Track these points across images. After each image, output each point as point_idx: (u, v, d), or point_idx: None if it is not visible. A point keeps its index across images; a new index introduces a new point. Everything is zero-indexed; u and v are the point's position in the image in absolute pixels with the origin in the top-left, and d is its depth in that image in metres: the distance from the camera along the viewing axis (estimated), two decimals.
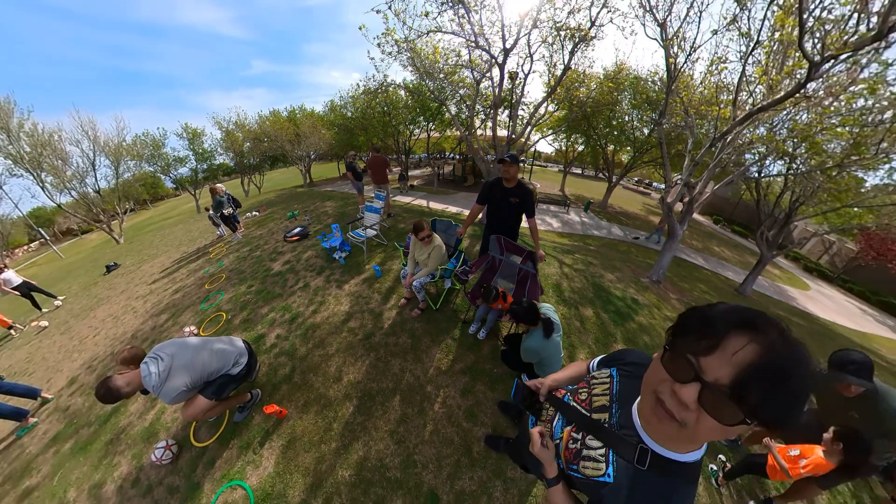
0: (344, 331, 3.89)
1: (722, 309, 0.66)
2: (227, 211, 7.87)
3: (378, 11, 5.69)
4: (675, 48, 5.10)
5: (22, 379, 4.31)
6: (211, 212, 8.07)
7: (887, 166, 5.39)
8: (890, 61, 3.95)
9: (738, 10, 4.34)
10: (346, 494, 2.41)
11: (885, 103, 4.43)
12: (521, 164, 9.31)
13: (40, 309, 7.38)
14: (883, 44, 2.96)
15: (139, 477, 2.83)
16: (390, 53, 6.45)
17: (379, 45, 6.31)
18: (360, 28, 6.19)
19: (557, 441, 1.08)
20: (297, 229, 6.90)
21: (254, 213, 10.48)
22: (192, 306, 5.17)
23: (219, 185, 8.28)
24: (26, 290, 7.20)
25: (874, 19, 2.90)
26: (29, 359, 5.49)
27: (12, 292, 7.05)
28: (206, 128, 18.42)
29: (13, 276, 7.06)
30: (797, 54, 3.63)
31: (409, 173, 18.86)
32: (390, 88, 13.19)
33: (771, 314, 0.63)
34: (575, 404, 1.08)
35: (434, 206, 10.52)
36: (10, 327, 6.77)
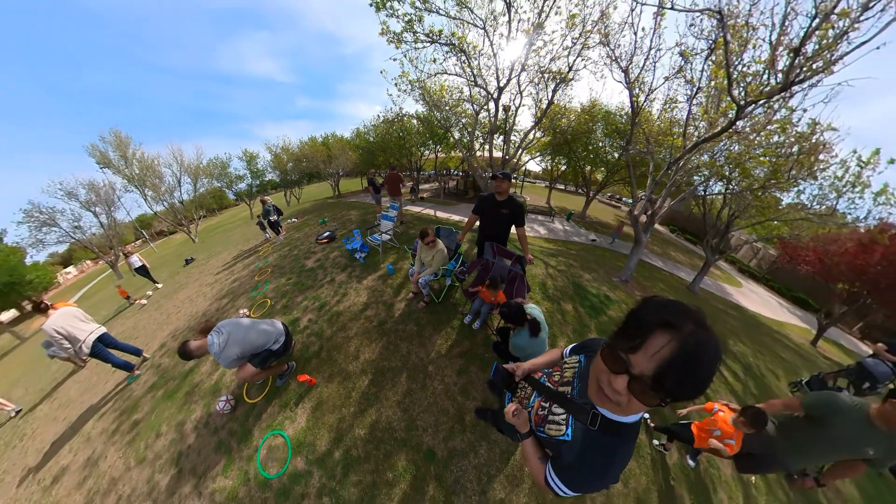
0: (362, 318, 3.90)
1: (649, 309, 0.66)
2: (273, 218, 8.04)
3: (395, 59, 5.83)
4: (637, 90, 5.12)
5: (130, 342, 4.68)
6: (260, 218, 8.29)
7: (796, 189, 5.63)
8: (794, 107, 4.13)
9: (683, 62, 4.39)
10: (361, 448, 2.50)
11: (793, 139, 4.61)
12: (513, 181, 9.38)
13: (155, 282, 8.02)
14: (788, 94, 3.16)
15: (208, 420, 3.04)
16: (405, 91, 6.59)
17: (396, 84, 6.45)
18: (381, 72, 6.34)
19: (529, 409, 1.09)
20: (327, 233, 6.95)
21: (293, 219, 10.63)
22: (245, 293, 5.35)
23: (266, 196, 8.51)
24: (144, 272, 7.86)
25: (780, 75, 3.04)
26: (134, 326, 5.94)
27: (133, 273, 7.79)
28: (260, 152, 19.26)
29: (136, 260, 7.74)
30: (728, 99, 3.70)
31: (420, 187, 19.00)
32: (405, 118, 13.36)
33: (690, 306, 0.63)
34: (549, 385, 1.07)
35: (440, 214, 10.54)
36: (128, 297, 7.39)
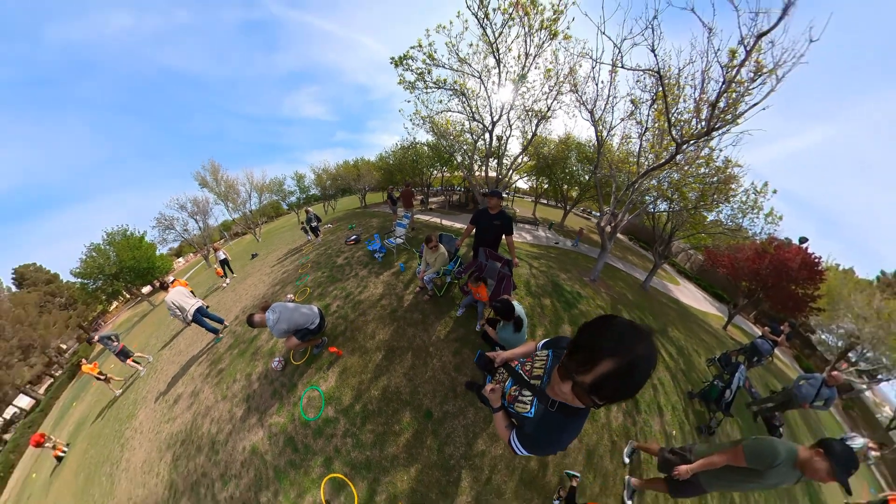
0: (378, 306, 3.89)
1: (603, 339, 0.62)
2: (313, 224, 8.26)
3: (409, 101, 6.00)
4: (600, 126, 5.13)
5: (216, 313, 5.30)
6: (304, 224, 8.54)
7: (717, 209, 5.98)
8: (714, 147, 4.40)
9: (633, 108, 4.44)
10: (375, 404, 2.63)
11: (713, 171, 4.89)
12: (505, 196, 9.43)
13: (232, 273, 8.72)
14: (709, 137, 3.32)
15: (266, 374, 3.31)
16: (418, 124, 6.74)
17: (411, 119, 6.59)
18: (399, 111, 6.52)
19: (505, 391, 1.10)
20: (353, 237, 6.94)
21: (328, 225, 10.77)
22: (291, 282, 5.56)
23: (309, 207, 8.83)
24: (226, 263, 8.51)
25: (703, 122, 3.19)
26: (218, 302, 6.56)
27: (217, 263, 8.57)
28: (306, 173, 20.73)
29: (221, 254, 8.53)
30: (669, 138, 3.76)
31: (429, 199, 19.16)
32: (417, 146, 13.55)
33: (641, 327, 0.60)
34: (521, 372, 1.06)
35: (445, 222, 10.61)
36: (223, 276, 8.31)
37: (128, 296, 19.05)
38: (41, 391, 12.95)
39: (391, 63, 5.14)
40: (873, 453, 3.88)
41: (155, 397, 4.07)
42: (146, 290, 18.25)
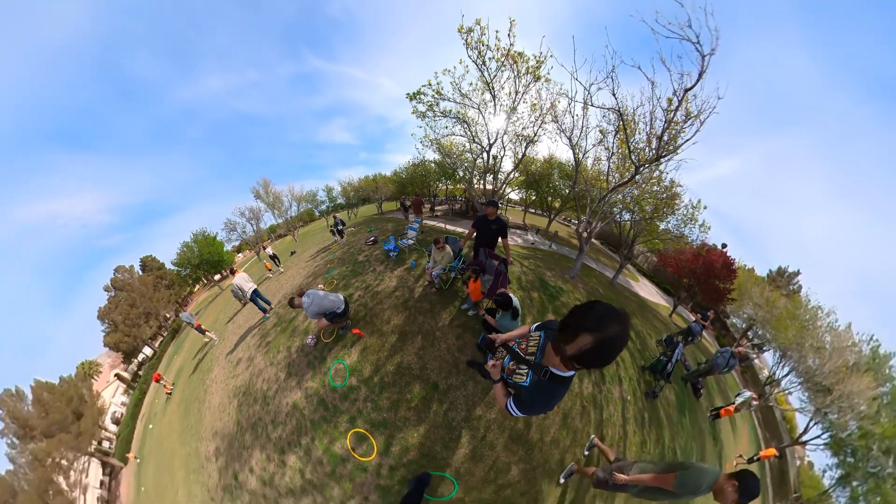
0: (392, 296, 3.91)
1: (585, 317, 0.64)
2: (339, 227, 8.44)
3: (420, 127, 6.14)
4: (577, 150, 5.21)
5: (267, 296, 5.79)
6: (331, 227, 8.74)
7: (667, 221, 6.44)
8: (662, 170, 4.73)
9: (602, 136, 4.55)
10: (390, 377, 2.71)
11: (663, 189, 5.24)
12: (500, 205, 9.54)
13: (279, 265, 9.08)
14: (659, 162, 3.63)
15: (302, 348, 3.45)
16: (426, 146, 6.89)
17: (421, 142, 6.74)
18: (412, 135, 6.67)
19: (505, 366, 1.13)
20: (372, 238, 6.91)
21: (351, 228, 10.86)
22: (321, 275, 5.72)
23: (336, 214, 9.08)
24: (275, 258, 9.00)
25: (654, 150, 3.45)
26: (266, 289, 6.75)
27: (268, 257, 9.09)
28: (334, 186, 21.72)
29: (270, 250, 9.09)
30: (629, 161, 3.91)
31: (435, 207, 19.34)
32: (426, 163, 13.67)
33: (618, 310, 0.61)
34: (518, 350, 1.08)
35: (449, 227, 10.70)
36: (270, 270, 8.71)
37: (205, 281, 21.59)
38: (156, 345, 15.68)
39: (406, 97, 5.31)
40: (754, 402, 4.43)
41: (223, 358, 4.55)
42: (217, 277, 20.46)
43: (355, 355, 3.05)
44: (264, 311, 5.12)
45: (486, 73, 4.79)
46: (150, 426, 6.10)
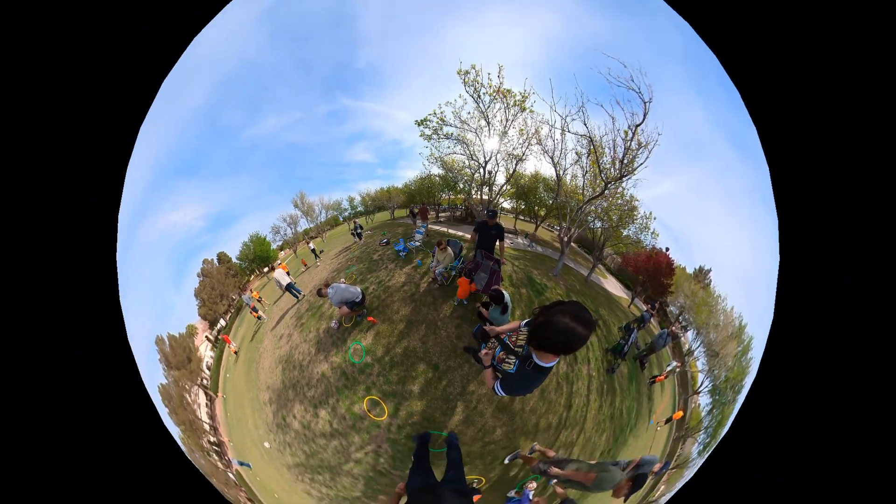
0: (401, 290, 4.01)
1: (552, 303, 0.74)
2: (358, 231, 8.54)
3: (426, 147, 6.18)
4: (557, 168, 5.24)
5: (299, 286, 5.63)
6: (352, 231, 8.84)
7: (627, 228, 6.25)
8: (625, 186, 4.62)
9: (578, 157, 4.68)
10: (399, 357, 2.84)
11: (625, 202, 5.21)
12: (497, 212, 9.60)
13: (318, 258, 8.92)
14: (622, 179, 3.78)
15: (329, 330, 3.56)
16: (432, 163, 6.79)
17: (427, 159, 6.59)
18: (419, 153, 6.59)
19: (496, 354, 1.19)
20: (385, 240, 6.49)
21: (368, 231, 10.91)
22: (342, 270, 5.62)
23: (356, 219, 9.06)
24: (314, 251, 8.76)
25: (617, 171, 3.67)
26: (298, 282, 6.67)
27: (310, 251, 8.77)
28: (355, 196, 21.19)
29: (312, 245, 8.88)
30: (599, 178, 4.05)
31: (439, 214, 19.37)
32: (431, 177, 13.72)
33: (584, 310, 0.66)
34: (508, 343, 1.13)
35: (451, 231, 10.76)
36: (306, 265, 8.39)
37: (258, 272, 22.88)
38: (227, 318, 16.49)
39: (415, 124, 5.39)
40: (678, 369, 4.77)
41: (269, 331, 4.61)
42: (266, 269, 21.40)
43: (370, 338, 3.22)
44: (296, 297, 5.37)
45: (481, 105, 4.89)
46: (227, 375, 6.40)
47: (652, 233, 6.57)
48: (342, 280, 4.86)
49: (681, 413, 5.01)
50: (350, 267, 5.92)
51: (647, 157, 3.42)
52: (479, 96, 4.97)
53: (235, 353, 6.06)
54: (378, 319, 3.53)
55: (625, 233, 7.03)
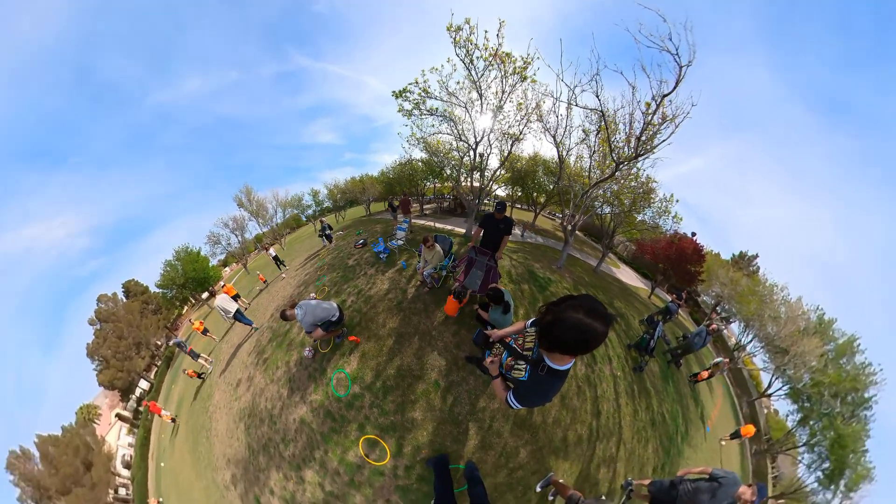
0: (385, 299, 3.83)
1: (561, 298, 0.73)
2: (327, 232, 8.09)
3: (406, 125, 6.02)
4: (561, 147, 5.41)
5: (255, 313, 5.72)
6: (320, 232, 8.37)
7: (643, 213, 7.02)
8: (639, 167, 5.12)
9: (584, 135, 4.83)
10: (392, 380, 2.71)
11: (640, 184, 5.74)
12: (487, 202, 9.80)
13: (284, 267, 8.45)
14: (637, 159, 3.85)
15: (301, 361, 3.33)
16: (413, 144, 6.78)
17: (407, 140, 6.62)
18: (398, 133, 6.52)
19: (503, 362, 1.16)
20: (361, 241, 6.63)
21: (340, 232, 10.42)
22: (312, 283, 5.46)
23: (323, 218, 8.72)
24: (277, 260, 8.49)
25: (632, 149, 3.70)
26: (257, 303, 6.70)
27: (271, 259, 8.60)
28: (320, 189, 20.53)
29: (272, 251, 8.74)
30: (610, 158, 4.23)
31: (424, 206, 19.21)
32: (413, 162, 13.49)
33: (598, 305, 0.66)
34: (515, 346, 1.11)
35: (437, 225, 10.68)
36: (265, 281, 8.07)
37: (193, 301, 19.84)
38: (151, 376, 14.32)
39: (392, 95, 5.16)
40: (726, 366, 5.37)
41: (223, 382, 4.32)
42: (205, 295, 18.88)
43: (355, 362, 3.00)
44: (250, 323, 5.23)
45: (473, 73, 4.81)
46: (162, 464, 5.50)
47: (673, 217, 7.23)
48: (312, 295, 4.47)
49: (752, 428, 4.85)
50: (321, 278, 5.70)
51: (672, 133, 3.38)
52: (471, 61, 4.90)
53: (173, 420, 5.34)
54: (361, 338, 3.31)
55: (639, 218, 7.65)
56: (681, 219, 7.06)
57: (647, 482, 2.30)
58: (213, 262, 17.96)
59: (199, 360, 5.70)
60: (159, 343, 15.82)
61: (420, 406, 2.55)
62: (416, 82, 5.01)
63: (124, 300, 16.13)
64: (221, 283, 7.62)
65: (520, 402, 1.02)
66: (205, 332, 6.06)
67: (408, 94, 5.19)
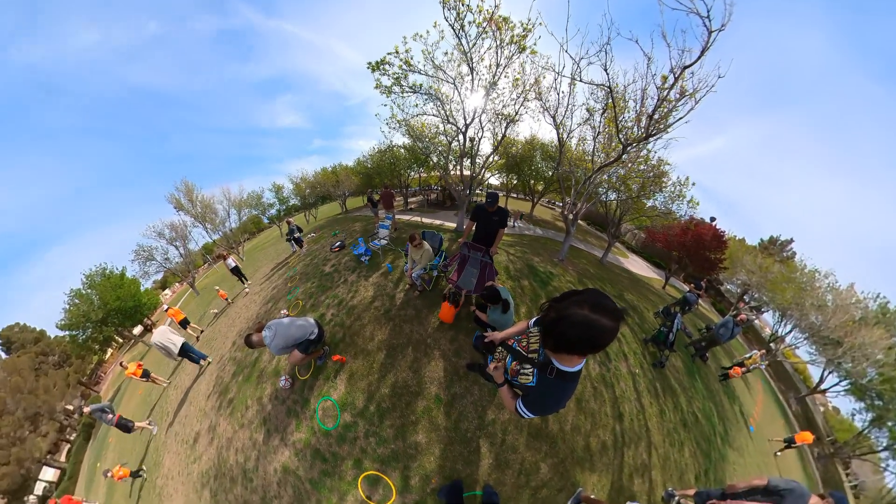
0: (371, 308, 3.74)
1: (565, 294, 0.75)
2: (296, 235, 7.67)
3: (386, 105, 5.80)
4: (561, 129, 5.48)
5: (212, 342, 5.08)
6: (287, 236, 7.92)
7: (653, 198, 7.20)
8: (650, 149, 5.24)
9: (588, 115, 4.91)
10: (388, 400, 2.64)
11: (650, 168, 5.84)
12: (481, 192, 9.81)
13: (246, 281, 7.52)
14: (647, 140, 3.89)
15: (277, 394, 3.11)
16: (394, 128, 6.56)
17: (387, 123, 6.39)
18: (375, 115, 6.29)
19: (507, 367, 1.16)
20: (338, 243, 6.45)
21: (312, 234, 9.98)
22: (282, 297, 5.11)
23: (290, 218, 8.20)
24: (237, 271, 7.40)
25: (643, 129, 3.73)
26: (213, 330, 6.01)
27: (229, 272, 7.41)
28: (284, 183, 19.12)
29: (231, 262, 7.35)
30: (616, 140, 4.34)
31: (408, 200, 18.89)
32: (394, 149, 13.13)
33: (607, 299, 0.68)
34: (519, 349, 1.11)
35: (425, 220, 10.56)
36: (228, 299, 7.00)
37: (120, 340, 16.67)
38: (62, 459, 10.99)
39: (368, 68, 4.92)
40: (765, 363, 5.61)
41: (174, 440, 3.71)
42: (137, 330, 16.00)
43: (342, 386, 2.88)
44: (203, 357, 4.63)
45: (464, 41, 4.69)
46: None
47: (689, 201, 7.56)
48: (283, 312, 4.45)
49: (809, 436, 4.67)
50: (292, 291, 5.39)
51: (691, 110, 3.34)
52: (462, 27, 4.76)
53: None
54: (347, 356, 3.18)
55: (649, 204, 7.98)
56: (697, 203, 7.09)
57: (691, 492, 2.32)
58: (147, 284, 14.94)
59: (138, 427, 4.40)
60: (71, 408, 12.67)
61: (423, 426, 2.48)
62: (397, 52, 4.80)
63: (4, 356, 12.97)
64: (165, 306, 6.45)
65: (531, 411, 1.01)
66: (145, 376, 4.84)
67: (386, 67, 4.97)
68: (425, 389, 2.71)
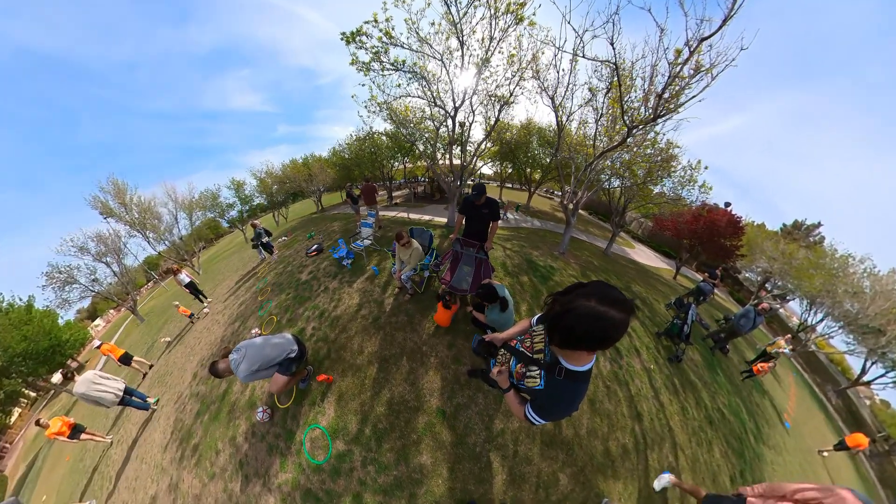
0: (358, 317, 3.70)
1: (570, 287, 0.78)
2: (265, 239, 7.28)
3: (364, 85, 5.59)
4: (560, 112, 5.56)
5: (164, 378, 4.65)
6: (253, 241, 7.50)
7: (661, 184, 7.33)
8: (658, 132, 5.35)
9: (591, 95, 4.97)
10: (384, 420, 2.58)
11: (658, 151, 5.88)
12: (470, 182, 9.74)
13: (205, 299, 6.85)
14: (655, 122, 3.90)
15: (254, 430, 2.92)
16: (374, 112, 6.34)
17: (366, 106, 6.16)
18: (352, 96, 6.04)
19: (512, 370, 1.17)
20: (315, 246, 6.32)
21: (283, 238, 9.61)
22: (253, 314, 4.86)
23: (256, 220, 7.72)
24: (192, 287, 6.68)
25: (650, 110, 3.77)
26: (166, 363, 5.43)
27: (184, 289, 6.65)
28: (246, 179, 17.57)
29: (184, 277, 6.65)
30: (621, 122, 4.39)
31: (393, 193, 18.54)
32: (375, 136, 12.79)
33: (616, 292, 0.70)
34: (523, 350, 1.13)
35: (412, 216, 10.41)
36: (191, 316, 6.37)
37: (33, 394, 14.31)
38: None
39: (342, 39, 4.68)
40: (790, 347, 5.52)
41: None
42: (56, 378, 13.01)
43: (331, 410, 2.77)
44: (146, 407, 4.14)
45: (453, 9, 4.58)
46: None
47: (701, 186, 7.82)
48: (255, 331, 4.33)
49: (864, 439, 4.61)
50: (264, 305, 5.21)
51: (707, 87, 3.28)
52: None
53: None
54: (334, 374, 3.10)
55: (656, 190, 8.24)
56: (710, 188, 7.10)
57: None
58: (68, 315, 12.32)
59: None
60: None
61: (426, 446, 2.44)
62: (376, 21, 4.60)
63: None
64: (96, 342, 5.51)
65: (542, 416, 1.02)
66: (75, 433, 4.02)
67: (364, 40, 4.77)
68: (425, 403, 2.67)
